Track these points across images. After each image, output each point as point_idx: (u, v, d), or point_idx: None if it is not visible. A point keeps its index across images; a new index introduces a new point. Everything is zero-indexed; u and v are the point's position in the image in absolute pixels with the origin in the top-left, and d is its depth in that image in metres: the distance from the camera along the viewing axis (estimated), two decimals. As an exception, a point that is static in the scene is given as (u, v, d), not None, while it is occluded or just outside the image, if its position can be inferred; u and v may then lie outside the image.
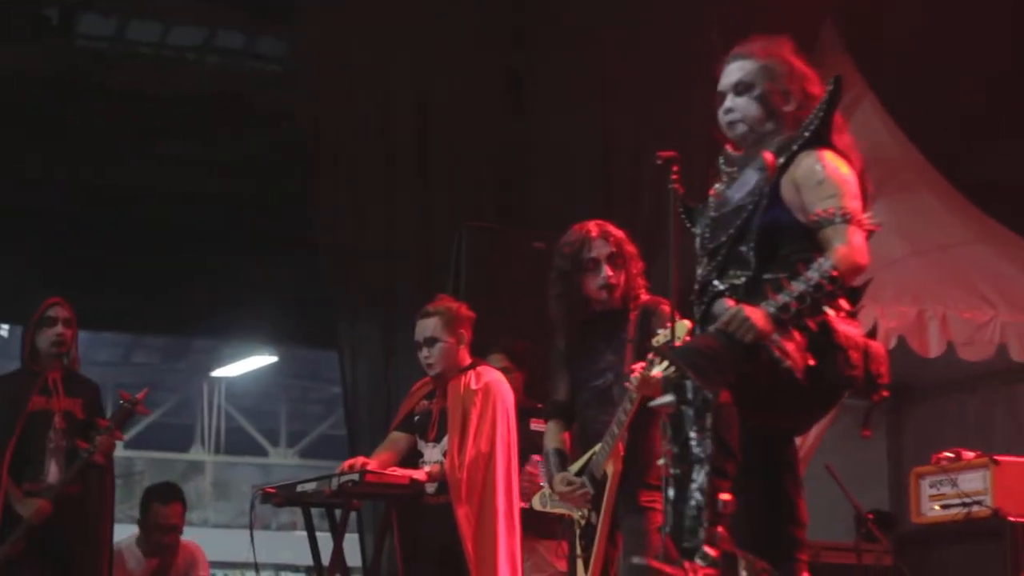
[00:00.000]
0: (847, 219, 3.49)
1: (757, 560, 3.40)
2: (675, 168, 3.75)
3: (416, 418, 5.33)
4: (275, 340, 12.36)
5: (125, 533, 6.60)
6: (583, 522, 4.65)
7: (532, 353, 5.97)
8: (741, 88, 3.68)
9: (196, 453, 18.16)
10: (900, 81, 7.97)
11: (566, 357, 4.78)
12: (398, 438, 5.36)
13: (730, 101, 3.70)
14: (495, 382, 5.23)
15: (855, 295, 3.58)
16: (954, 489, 5.86)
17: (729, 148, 3.76)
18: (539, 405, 5.70)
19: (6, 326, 11.59)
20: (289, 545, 14.20)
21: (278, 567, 16.62)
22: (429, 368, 5.27)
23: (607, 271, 4.65)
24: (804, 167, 3.57)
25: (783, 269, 3.48)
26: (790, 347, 3.39)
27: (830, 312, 3.48)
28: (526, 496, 5.30)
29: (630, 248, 4.73)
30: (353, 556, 6.27)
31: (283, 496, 5.38)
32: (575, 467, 4.66)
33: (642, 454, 4.55)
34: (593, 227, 4.73)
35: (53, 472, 5.75)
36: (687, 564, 3.20)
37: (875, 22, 7.96)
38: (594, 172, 8.08)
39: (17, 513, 5.67)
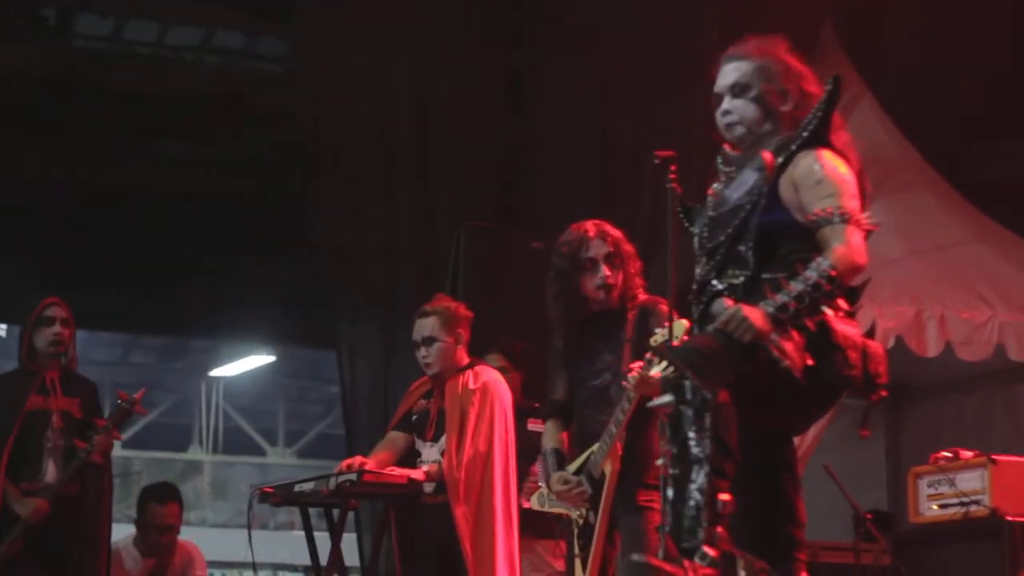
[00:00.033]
0: (845, 219, 3.49)
1: (756, 560, 3.40)
2: (673, 168, 3.74)
3: (414, 417, 5.33)
4: (273, 340, 12.36)
5: (123, 533, 6.60)
6: (581, 521, 4.65)
7: (530, 353, 5.97)
8: (738, 89, 3.68)
9: (194, 453, 18.16)
10: (900, 81, 7.97)
11: (564, 357, 4.78)
12: (396, 438, 5.36)
13: (727, 103, 3.69)
14: (493, 382, 5.23)
15: (853, 295, 3.57)
16: (952, 489, 5.86)
17: (727, 148, 3.76)
18: (537, 405, 5.71)
19: (4, 326, 11.58)
20: (287, 545, 14.19)
21: (276, 567, 16.62)
22: (427, 368, 5.27)
23: (605, 271, 4.65)
24: (803, 167, 3.56)
25: (782, 269, 3.47)
26: (788, 347, 3.39)
27: (828, 312, 3.47)
28: (531, 496, 5.30)
29: (628, 248, 4.73)
30: (351, 556, 6.27)
31: (281, 496, 5.37)
32: (573, 466, 4.66)
33: (640, 454, 4.55)
34: (591, 227, 4.73)
35: (51, 472, 5.75)
36: (686, 563, 3.20)
37: (875, 22, 7.96)
38: (594, 172, 8.08)
39: (15, 513, 5.66)
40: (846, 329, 3.50)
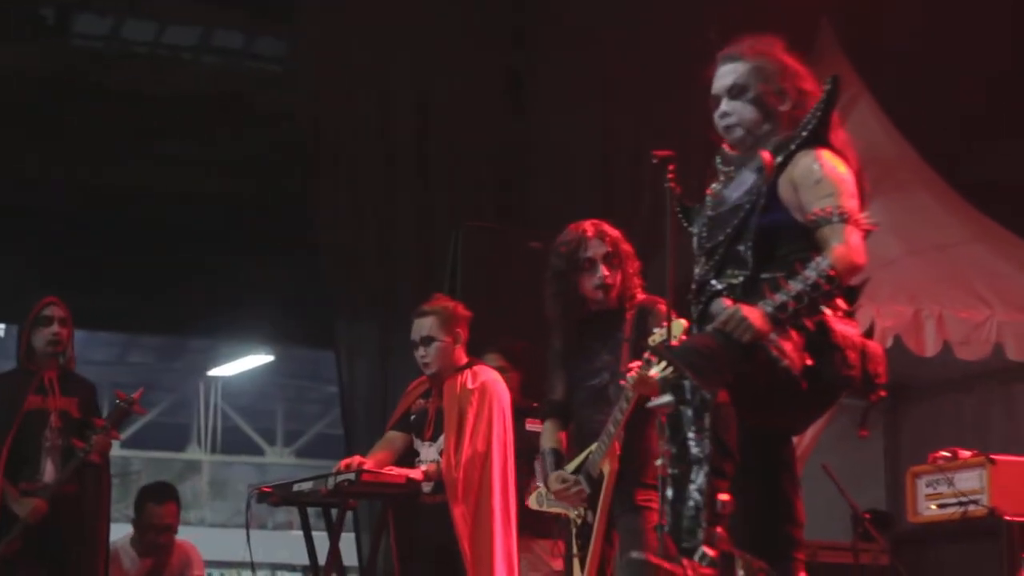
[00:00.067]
0: (844, 218, 3.49)
1: (755, 559, 3.40)
2: (671, 167, 3.75)
3: (412, 417, 5.33)
4: (272, 340, 12.37)
5: (121, 532, 6.59)
6: (579, 521, 4.65)
7: (530, 353, 5.97)
8: (735, 91, 3.67)
9: (192, 452, 18.18)
10: (899, 81, 7.97)
11: (562, 356, 4.78)
12: (394, 437, 5.36)
13: (725, 105, 3.69)
14: (491, 381, 5.23)
15: (852, 294, 3.57)
16: (950, 488, 5.86)
17: (726, 147, 3.76)
18: (535, 405, 5.71)
19: (2, 325, 11.59)
20: (285, 544, 14.20)
21: (274, 567, 16.63)
22: (425, 367, 5.27)
23: (603, 271, 4.65)
24: (802, 166, 3.57)
25: (781, 268, 3.47)
26: (788, 347, 3.39)
27: (827, 312, 3.47)
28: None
29: (626, 247, 4.73)
30: (349, 555, 6.27)
31: (279, 495, 5.37)
32: (571, 466, 4.66)
33: (638, 453, 4.55)
34: (589, 227, 4.73)
35: (49, 471, 5.74)
36: (685, 562, 3.20)
37: (874, 22, 7.96)
38: (593, 172, 8.08)
39: (13, 512, 5.66)
40: (845, 329, 3.50)
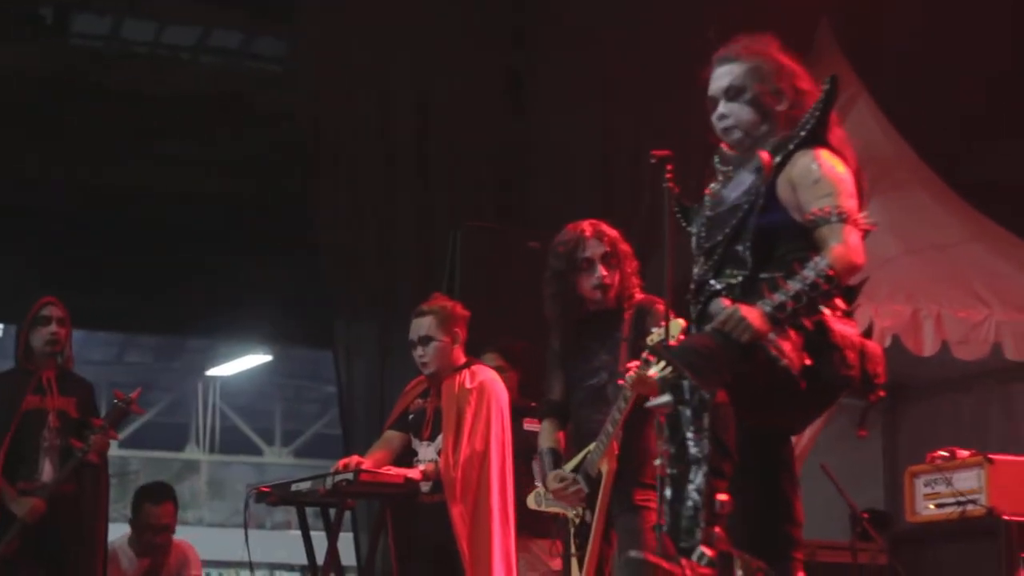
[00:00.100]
0: (843, 218, 3.49)
1: (753, 559, 3.40)
2: (669, 167, 3.75)
3: (410, 417, 5.32)
4: (270, 340, 12.37)
5: (120, 532, 6.59)
6: (578, 521, 4.65)
7: (529, 353, 5.97)
8: (732, 93, 3.66)
9: (191, 452, 18.18)
10: (898, 81, 7.98)
11: (561, 356, 4.78)
12: (392, 437, 5.36)
13: (723, 107, 3.68)
14: (489, 381, 5.23)
15: (851, 294, 3.57)
16: (949, 488, 5.87)
17: (724, 147, 3.76)
18: (533, 404, 5.71)
19: (1, 325, 11.58)
20: (284, 544, 14.19)
21: (273, 566, 16.63)
22: (424, 367, 5.27)
23: (601, 271, 4.65)
24: (800, 166, 3.56)
25: (779, 268, 3.47)
26: (786, 346, 3.39)
27: (826, 311, 3.47)
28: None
29: (624, 247, 4.73)
30: (348, 555, 6.28)
31: (278, 495, 5.37)
32: (569, 466, 4.66)
33: (637, 453, 4.55)
34: (587, 227, 4.73)
35: (47, 471, 5.74)
36: (684, 561, 3.20)
37: (873, 22, 7.97)
38: (593, 172, 8.09)
39: (11, 512, 5.65)
40: (844, 329, 3.50)
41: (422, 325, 5.25)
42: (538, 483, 4.84)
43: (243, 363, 15.96)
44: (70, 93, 8.59)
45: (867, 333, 3.61)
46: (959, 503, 5.80)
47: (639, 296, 4.70)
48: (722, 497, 3.25)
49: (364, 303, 7.84)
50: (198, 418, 17.76)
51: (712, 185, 3.76)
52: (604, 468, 4.54)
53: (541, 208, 7.91)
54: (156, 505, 6.48)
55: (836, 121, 3.65)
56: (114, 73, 8.71)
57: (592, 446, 4.57)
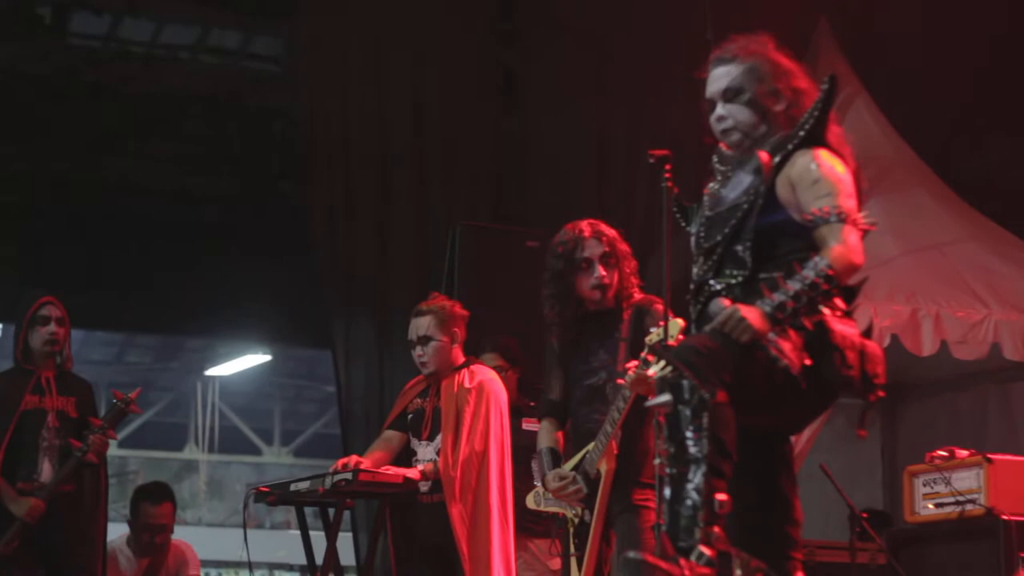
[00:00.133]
0: (842, 218, 3.48)
1: (752, 559, 3.40)
2: (668, 166, 3.74)
3: (409, 416, 5.32)
4: (269, 339, 12.35)
5: (119, 532, 6.59)
6: (576, 521, 4.65)
7: (519, 348, 5.99)
8: (730, 94, 3.66)
9: (190, 452, 18.17)
10: (896, 80, 7.97)
11: (560, 356, 4.78)
12: (391, 436, 5.36)
13: (721, 109, 3.67)
14: (488, 381, 5.23)
15: (851, 294, 3.57)
16: (948, 488, 5.87)
17: (723, 146, 3.75)
18: (532, 404, 5.71)
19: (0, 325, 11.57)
20: (283, 544, 14.21)
21: (272, 566, 16.63)
22: (423, 366, 5.27)
23: (600, 271, 4.65)
24: (799, 166, 3.56)
25: (779, 268, 3.47)
26: (786, 347, 3.39)
27: (826, 311, 3.47)
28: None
29: (623, 247, 4.73)
30: (347, 555, 6.27)
31: (277, 495, 5.37)
32: (568, 465, 4.66)
33: (635, 452, 4.55)
34: (586, 227, 4.73)
35: (46, 471, 5.73)
36: (683, 561, 3.19)
37: (871, 21, 7.97)
38: (590, 171, 8.09)
39: (10, 512, 5.65)
40: (844, 329, 3.49)
41: (421, 325, 5.24)
42: (537, 483, 4.84)
43: (242, 363, 15.94)
44: (67, 91, 8.58)
45: (866, 333, 3.60)
46: (958, 503, 5.80)
47: (638, 296, 4.70)
48: (721, 497, 3.25)
49: (361, 303, 7.83)
50: (197, 418, 17.75)
51: (711, 185, 3.75)
52: (603, 468, 4.54)
53: (537, 207, 7.91)
54: (154, 505, 6.47)
55: (835, 119, 3.65)
56: (110, 71, 8.70)
57: (591, 446, 4.57)
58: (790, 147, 3.58)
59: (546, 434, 4.77)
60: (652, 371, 4.09)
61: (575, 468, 4.62)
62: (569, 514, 4.68)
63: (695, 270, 3.67)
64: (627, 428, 4.51)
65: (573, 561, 4.64)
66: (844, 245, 3.45)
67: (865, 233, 3.53)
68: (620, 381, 4.44)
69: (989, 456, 5.83)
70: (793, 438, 3.88)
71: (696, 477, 3.25)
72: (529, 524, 5.58)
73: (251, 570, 6.15)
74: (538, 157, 8.16)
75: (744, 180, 3.63)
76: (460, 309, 5.33)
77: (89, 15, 8.78)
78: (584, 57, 8.06)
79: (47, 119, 8.55)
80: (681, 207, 3.82)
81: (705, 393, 3.27)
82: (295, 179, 8.32)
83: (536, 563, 5.88)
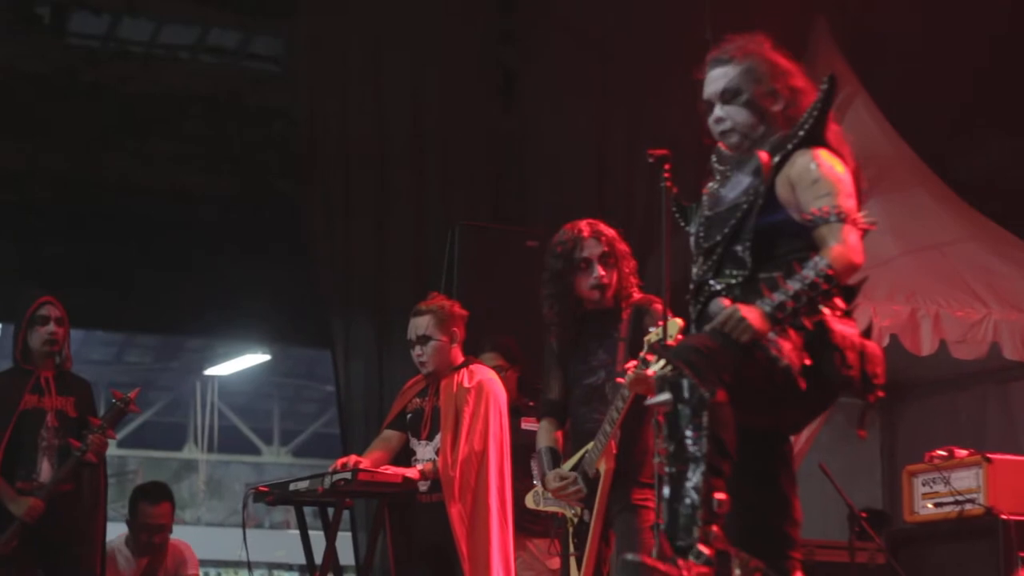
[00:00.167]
0: (842, 218, 3.48)
1: (751, 558, 3.40)
2: (667, 166, 3.74)
3: (409, 416, 5.32)
4: (269, 339, 12.35)
5: (119, 532, 6.59)
6: (576, 520, 4.65)
7: (519, 348, 5.99)
8: (727, 95, 3.65)
9: (189, 452, 18.16)
10: (895, 79, 7.97)
11: (559, 356, 4.78)
12: (390, 436, 5.36)
13: (719, 110, 3.67)
14: (488, 380, 5.23)
15: (851, 294, 3.57)
16: (947, 487, 5.87)
17: (722, 146, 3.75)
18: (531, 403, 5.70)
19: (-1, 324, 11.57)
20: (282, 544, 14.22)
21: (271, 566, 16.63)
22: (422, 366, 5.27)
23: (599, 271, 4.65)
24: (799, 166, 3.56)
25: (779, 268, 3.47)
26: (786, 346, 3.39)
27: (826, 311, 3.47)
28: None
29: (622, 247, 4.73)
30: (346, 554, 6.26)
31: (276, 495, 5.37)
32: (567, 465, 4.66)
33: (635, 452, 4.55)
34: (585, 227, 4.73)
35: (45, 471, 5.73)
36: (681, 562, 3.19)
37: (869, 20, 7.97)
38: (589, 170, 8.09)
39: (9, 512, 5.65)
40: (844, 329, 3.49)
41: (420, 324, 5.24)
42: (536, 482, 4.84)
43: (241, 363, 15.94)
44: (66, 91, 8.58)
45: (866, 333, 3.60)
46: (957, 502, 5.80)
47: (637, 295, 4.71)
48: (720, 496, 3.25)
49: (358, 302, 7.83)
50: (196, 418, 17.75)
51: (710, 185, 3.75)
52: (602, 467, 4.54)
53: (536, 206, 7.91)
54: (153, 505, 6.47)
55: (834, 118, 3.64)
56: (109, 71, 8.70)
57: (590, 445, 4.57)
58: (789, 147, 3.58)
59: (545, 434, 4.77)
60: (651, 370, 4.09)
61: (574, 468, 4.62)
62: (568, 514, 4.68)
63: (695, 270, 3.67)
64: (626, 428, 4.51)
65: (572, 561, 4.64)
66: (844, 245, 3.45)
67: (865, 233, 3.53)
68: (619, 380, 4.44)
69: (988, 456, 5.83)
70: (793, 438, 3.88)
71: (695, 476, 3.25)
72: (528, 524, 5.58)
73: (250, 570, 6.15)
74: (537, 157, 8.16)
75: (743, 180, 3.63)
76: (459, 309, 5.33)
77: (88, 15, 8.77)
78: (584, 57, 8.06)
79: (46, 119, 8.54)
80: (680, 207, 3.82)
81: (705, 392, 3.27)
82: (294, 179, 8.31)
83: (535, 563, 5.88)
